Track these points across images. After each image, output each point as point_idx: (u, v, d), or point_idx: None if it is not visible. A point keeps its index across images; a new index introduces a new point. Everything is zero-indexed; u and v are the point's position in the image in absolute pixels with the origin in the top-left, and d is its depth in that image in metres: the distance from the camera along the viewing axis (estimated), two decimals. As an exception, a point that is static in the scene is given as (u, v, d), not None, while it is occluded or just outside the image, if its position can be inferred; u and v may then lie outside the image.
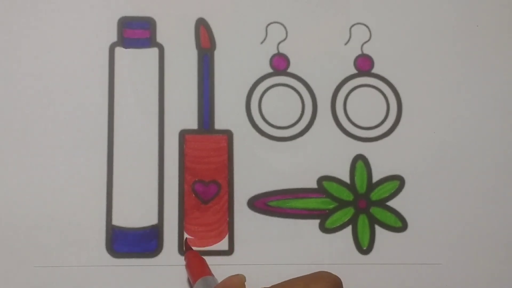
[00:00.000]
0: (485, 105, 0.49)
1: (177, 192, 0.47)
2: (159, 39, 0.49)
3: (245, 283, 0.40)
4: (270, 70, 0.49)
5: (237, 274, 0.41)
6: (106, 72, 0.48)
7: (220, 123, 0.48)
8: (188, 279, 0.45)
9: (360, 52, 0.50)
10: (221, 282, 0.41)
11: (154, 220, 0.46)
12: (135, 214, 0.46)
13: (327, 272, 0.38)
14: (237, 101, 0.48)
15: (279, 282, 0.37)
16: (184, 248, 0.46)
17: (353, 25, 0.50)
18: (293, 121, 0.48)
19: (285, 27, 0.50)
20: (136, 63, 0.48)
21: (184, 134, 0.48)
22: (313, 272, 0.38)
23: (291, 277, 0.38)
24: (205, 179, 0.47)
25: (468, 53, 0.50)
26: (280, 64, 0.49)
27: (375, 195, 0.48)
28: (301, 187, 0.48)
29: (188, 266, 0.45)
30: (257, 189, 0.47)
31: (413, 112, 0.49)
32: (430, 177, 0.48)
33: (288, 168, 0.48)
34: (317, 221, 0.47)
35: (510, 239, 0.48)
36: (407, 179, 0.48)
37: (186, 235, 0.46)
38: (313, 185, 0.48)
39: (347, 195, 0.48)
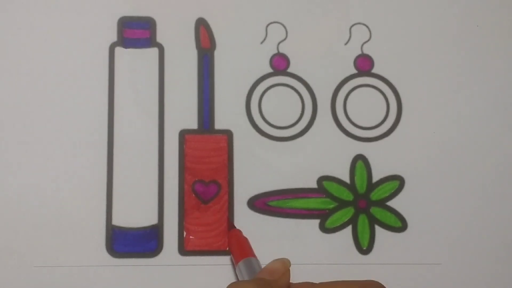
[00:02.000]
0: (485, 105, 0.49)
1: (177, 192, 0.47)
2: (159, 39, 0.49)
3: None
4: (270, 70, 0.49)
5: (282, 258, 0.41)
6: (106, 72, 0.48)
7: (220, 123, 0.48)
8: (231, 260, 0.45)
9: (360, 52, 0.50)
10: (265, 266, 0.40)
11: (154, 220, 0.46)
12: (135, 214, 0.46)
13: (377, 282, 0.37)
14: (237, 101, 0.48)
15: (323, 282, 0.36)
16: (228, 226, 0.46)
17: (353, 25, 0.50)
18: (293, 121, 0.48)
19: (285, 27, 0.50)
20: (136, 63, 0.48)
21: (184, 134, 0.48)
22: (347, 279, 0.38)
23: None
24: (205, 179, 0.47)
25: (468, 53, 0.50)
26: (280, 64, 0.49)
27: (375, 195, 0.48)
28: (301, 187, 0.47)
29: (230, 246, 0.44)
30: (257, 189, 0.47)
31: (413, 112, 0.49)
32: (430, 177, 0.48)
33: (288, 168, 0.48)
34: (317, 221, 0.47)
35: (510, 239, 0.48)
36: (407, 179, 0.48)
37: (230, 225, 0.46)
38: (313, 185, 0.48)
39: (347, 195, 0.48)
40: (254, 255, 0.43)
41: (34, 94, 0.47)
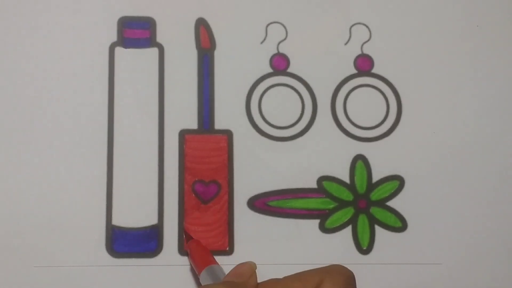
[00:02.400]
0: (485, 105, 0.49)
1: (177, 192, 0.47)
2: (159, 39, 0.49)
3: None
4: (270, 70, 0.49)
5: (248, 262, 0.41)
6: (106, 72, 0.48)
7: (220, 123, 0.48)
8: (192, 271, 0.45)
9: (360, 52, 0.50)
10: (231, 270, 0.40)
11: (154, 220, 0.46)
12: (135, 214, 0.46)
13: (340, 265, 0.37)
14: (237, 101, 0.48)
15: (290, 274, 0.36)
16: (184, 238, 0.46)
17: (353, 25, 0.50)
18: (293, 121, 0.48)
19: (285, 27, 0.50)
20: (136, 63, 0.48)
21: (184, 134, 0.48)
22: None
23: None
24: (205, 179, 0.47)
25: (468, 53, 0.50)
26: (280, 64, 0.49)
27: (375, 195, 0.48)
28: (301, 187, 0.47)
29: (192, 256, 0.44)
30: (257, 189, 0.47)
31: (413, 112, 0.49)
32: (430, 177, 0.48)
33: (288, 168, 0.48)
34: (317, 221, 0.47)
35: (510, 239, 0.48)
36: (407, 179, 0.48)
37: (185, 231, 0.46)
38: (313, 185, 0.48)
39: (347, 195, 0.48)
40: (216, 262, 0.43)
41: (34, 94, 0.47)
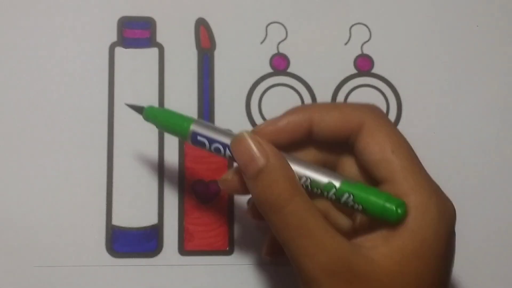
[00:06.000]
0: (485, 105, 0.49)
1: (177, 192, 0.47)
2: (159, 39, 0.49)
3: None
4: (270, 70, 0.49)
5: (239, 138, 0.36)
6: (106, 72, 0.48)
7: (220, 123, 0.48)
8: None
9: (360, 52, 0.50)
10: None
11: (154, 220, 0.46)
12: (135, 214, 0.46)
13: (376, 106, 0.37)
14: (237, 101, 0.48)
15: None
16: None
17: (353, 25, 0.50)
18: (293, 121, 0.48)
19: (285, 27, 0.50)
20: (136, 63, 0.48)
21: (184, 134, 0.48)
22: None
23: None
24: (205, 179, 0.47)
25: (468, 53, 0.50)
26: (280, 64, 0.49)
27: (375, 195, 0.48)
28: (301, 187, 0.47)
29: None
30: (257, 189, 0.47)
31: (413, 112, 0.49)
32: (430, 177, 0.48)
33: (288, 168, 0.48)
34: (317, 221, 0.47)
35: (509, 239, 0.48)
36: (407, 179, 0.48)
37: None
38: (313, 185, 0.48)
39: (347, 195, 0.48)
40: None
41: (34, 94, 0.47)
